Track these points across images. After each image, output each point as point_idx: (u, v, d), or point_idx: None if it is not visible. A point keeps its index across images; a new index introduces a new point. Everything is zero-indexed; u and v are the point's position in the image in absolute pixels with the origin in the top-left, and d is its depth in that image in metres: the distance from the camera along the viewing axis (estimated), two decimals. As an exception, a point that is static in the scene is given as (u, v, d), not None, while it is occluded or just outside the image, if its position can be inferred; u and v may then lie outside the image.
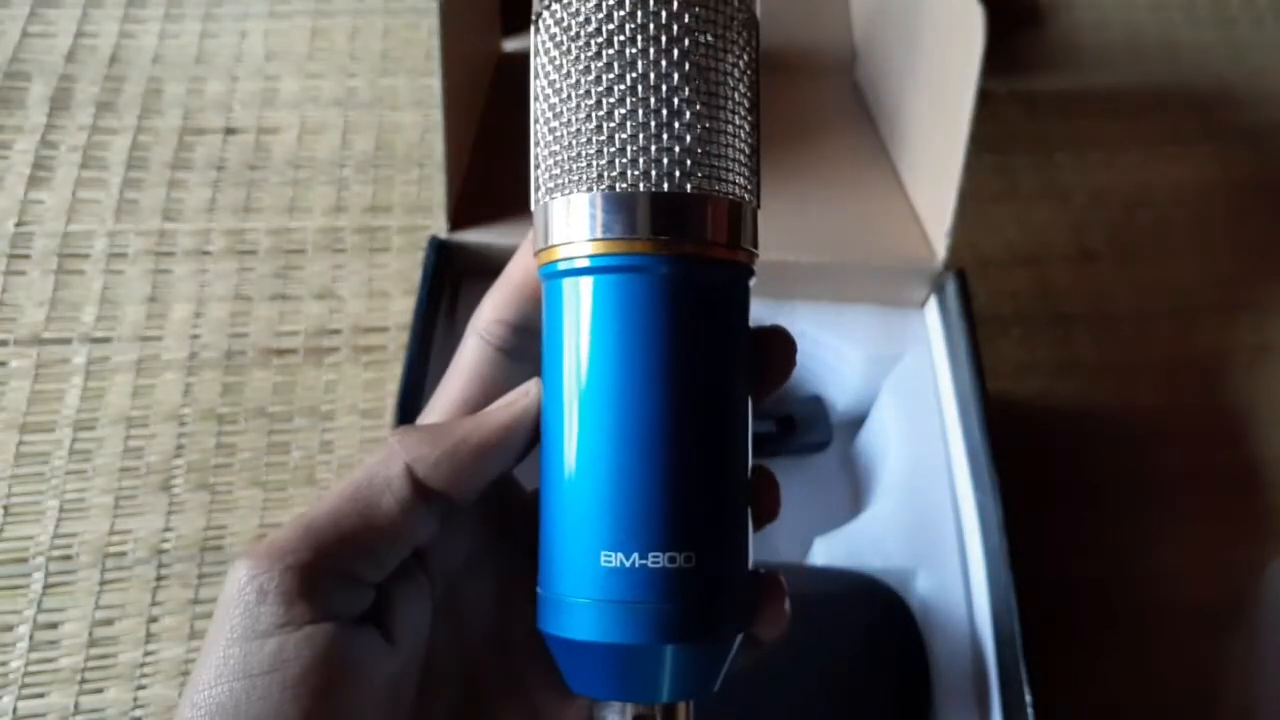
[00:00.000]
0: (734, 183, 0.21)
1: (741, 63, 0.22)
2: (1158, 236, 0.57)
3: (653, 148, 0.19)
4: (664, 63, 0.20)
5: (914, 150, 0.45)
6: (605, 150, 0.20)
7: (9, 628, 0.43)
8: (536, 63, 0.21)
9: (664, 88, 0.20)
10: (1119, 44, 0.65)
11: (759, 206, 0.22)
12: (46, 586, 0.44)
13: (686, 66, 0.20)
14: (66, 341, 0.50)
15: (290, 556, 0.20)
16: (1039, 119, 0.61)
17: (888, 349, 0.43)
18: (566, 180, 0.20)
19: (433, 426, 0.22)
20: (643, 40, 0.19)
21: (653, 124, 0.19)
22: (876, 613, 0.37)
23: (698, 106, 0.20)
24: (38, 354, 0.49)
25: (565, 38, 0.20)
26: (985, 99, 0.37)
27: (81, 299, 0.51)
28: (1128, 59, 0.65)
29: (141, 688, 0.42)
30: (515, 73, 0.52)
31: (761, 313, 0.44)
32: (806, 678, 0.35)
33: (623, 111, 0.19)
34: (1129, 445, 0.50)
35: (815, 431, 0.45)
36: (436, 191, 0.56)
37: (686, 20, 0.20)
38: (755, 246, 0.22)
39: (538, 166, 0.21)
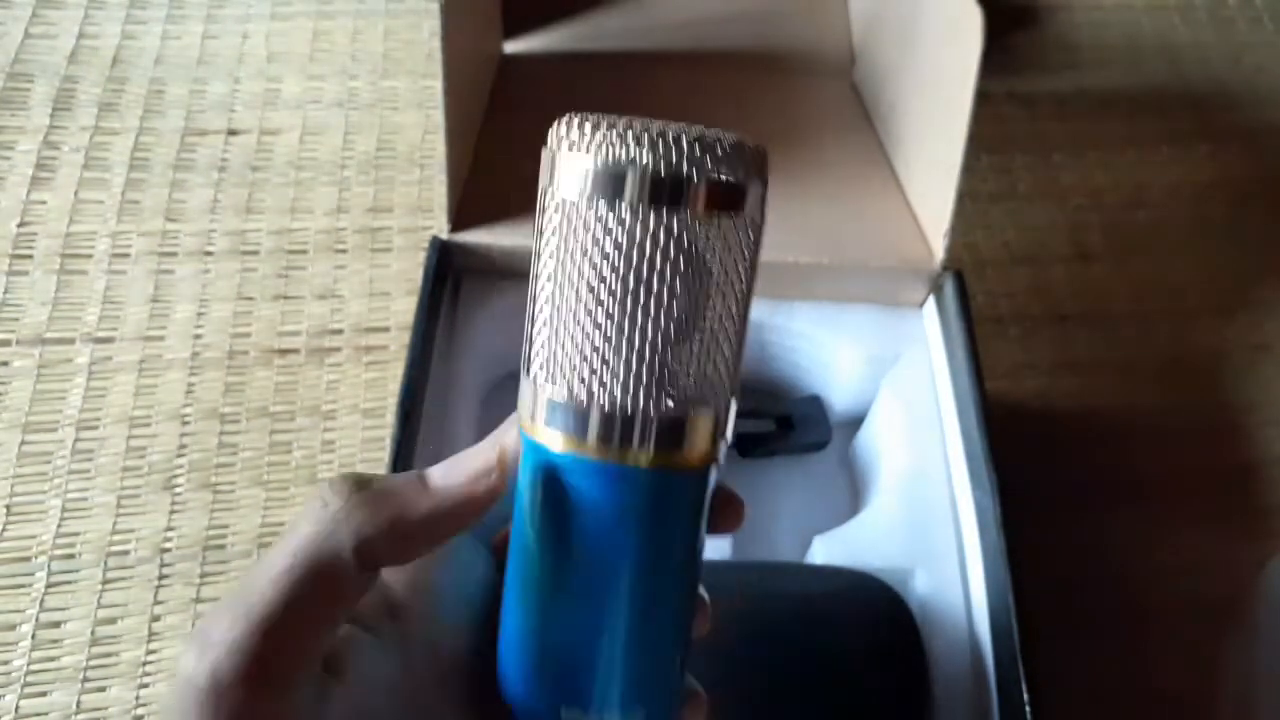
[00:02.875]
0: (719, 397, 0.21)
1: (743, 281, 0.22)
2: (1155, 236, 0.57)
3: (648, 375, 0.20)
4: (672, 292, 0.20)
5: (912, 151, 0.46)
6: (601, 367, 0.20)
7: (12, 626, 0.43)
8: (541, 239, 0.21)
9: (669, 318, 0.20)
10: (1117, 45, 0.65)
11: (738, 398, 0.22)
12: (49, 585, 0.44)
13: (693, 296, 0.20)
14: (69, 341, 0.50)
15: (244, 659, 0.18)
16: (1037, 120, 0.61)
17: (886, 349, 0.43)
18: (564, 373, 0.21)
19: (378, 493, 0.20)
20: (642, 278, 0.20)
21: (653, 353, 0.20)
22: (876, 611, 0.37)
23: (697, 339, 0.20)
24: (40, 354, 0.50)
25: (570, 242, 0.20)
26: (983, 100, 0.37)
27: (84, 299, 0.51)
28: (1126, 60, 0.65)
29: (144, 686, 0.42)
30: (516, 74, 0.52)
31: (762, 313, 0.45)
32: (805, 676, 0.35)
33: (626, 334, 0.20)
34: (1127, 444, 0.50)
35: (814, 431, 0.45)
36: (437, 192, 0.56)
37: (688, 248, 0.20)
38: (727, 436, 0.22)
39: (534, 339, 0.22)
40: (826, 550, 0.39)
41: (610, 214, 0.20)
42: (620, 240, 0.20)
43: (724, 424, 0.22)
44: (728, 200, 0.20)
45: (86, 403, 0.48)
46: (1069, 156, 0.60)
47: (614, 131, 0.20)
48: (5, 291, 0.51)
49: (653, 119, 0.21)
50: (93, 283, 0.52)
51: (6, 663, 0.42)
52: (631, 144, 0.20)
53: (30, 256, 0.53)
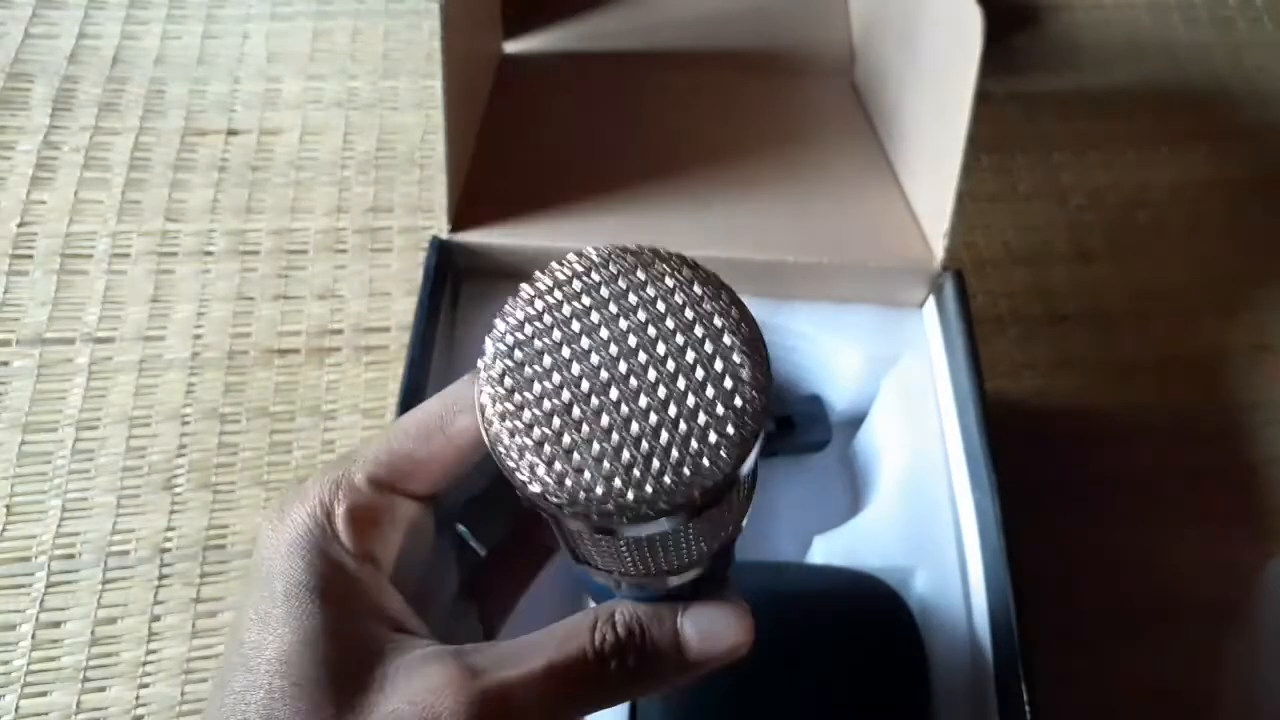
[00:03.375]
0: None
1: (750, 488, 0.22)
2: (1156, 236, 0.57)
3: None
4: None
5: (912, 151, 0.46)
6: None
7: (12, 626, 0.43)
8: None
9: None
10: (1117, 45, 0.65)
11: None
12: (49, 585, 0.44)
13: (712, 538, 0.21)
14: (69, 341, 0.50)
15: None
16: (1037, 119, 0.61)
17: (886, 349, 0.43)
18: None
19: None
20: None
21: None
22: (875, 611, 0.37)
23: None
24: (40, 354, 0.50)
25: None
26: (983, 99, 0.37)
27: (84, 299, 0.51)
28: (1126, 59, 0.65)
29: (144, 686, 0.42)
30: (516, 74, 0.52)
31: (762, 313, 0.44)
32: (805, 675, 0.35)
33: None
34: (1127, 444, 0.50)
35: (814, 431, 0.45)
36: (437, 192, 0.56)
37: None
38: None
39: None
40: (826, 549, 0.39)
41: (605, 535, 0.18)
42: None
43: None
44: (723, 492, 0.18)
45: (86, 403, 0.48)
46: (1069, 156, 0.60)
47: (562, 453, 0.16)
48: (5, 291, 0.52)
49: (601, 396, 0.16)
50: (93, 283, 0.52)
51: (6, 663, 0.42)
52: (596, 481, 0.16)
53: (30, 256, 0.53)
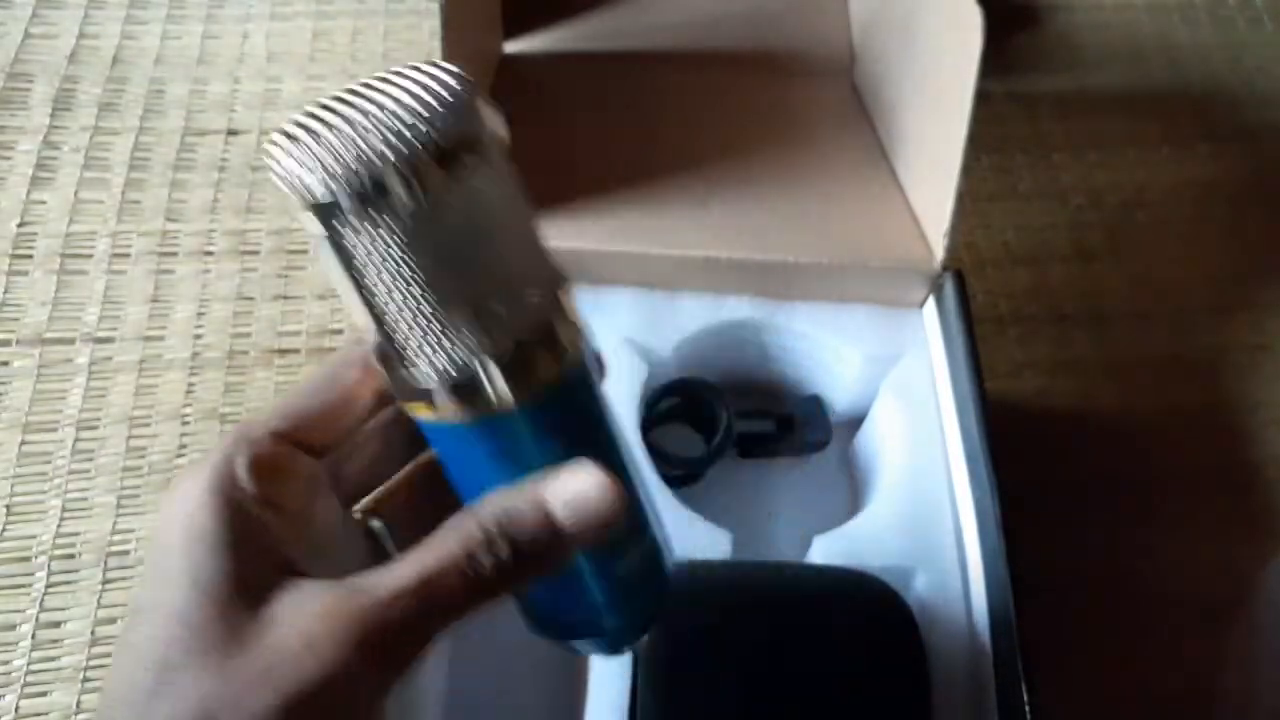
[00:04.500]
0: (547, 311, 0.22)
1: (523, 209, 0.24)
2: (1155, 236, 0.57)
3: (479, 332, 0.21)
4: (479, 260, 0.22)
5: (912, 151, 0.46)
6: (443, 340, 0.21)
7: (12, 626, 0.43)
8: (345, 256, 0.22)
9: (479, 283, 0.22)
10: (1117, 45, 0.65)
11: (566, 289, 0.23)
12: (49, 585, 0.44)
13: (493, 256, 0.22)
14: (69, 341, 0.50)
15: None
16: (1037, 120, 0.61)
17: (886, 349, 0.43)
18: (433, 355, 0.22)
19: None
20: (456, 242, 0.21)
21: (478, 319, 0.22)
22: (875, 611, 0.37)
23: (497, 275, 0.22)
24: (40, 354, 0.50)
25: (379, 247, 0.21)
26: (983, 100, 0.37)
27: (84, 299, 0.51)
28: (1126, 60, 0.65)
29: (144, 686, 0.42)
30: (516, 74, 0.52)
31: (762, 313, 0.44)
32: (805, 675, 0.35)
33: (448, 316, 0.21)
34: (1127, 444, 0.50)
35: (814, 431, 0.45)
36: (437, 192, 0.56)
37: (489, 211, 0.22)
38: (578, 332, 0.23)
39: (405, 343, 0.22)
40: (826, 550, 0.39)
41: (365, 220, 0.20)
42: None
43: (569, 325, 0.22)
44: (446, 167, 0.21)
45: (86, 403, 0.48)
46: (1069, 156, 0.60)
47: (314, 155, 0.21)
48: (5, 291, 0.51)
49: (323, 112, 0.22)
50: (93, 283, 0.52)
51: (6, 663, 0.42)
52: (330, 166, 0.20)
53: (30, 256, 0.53)
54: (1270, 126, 0.62)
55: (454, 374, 0.21)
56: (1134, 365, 0.53)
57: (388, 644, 0.20)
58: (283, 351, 0.51)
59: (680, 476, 0.43)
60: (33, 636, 0.43)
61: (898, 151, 0.47)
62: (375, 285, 0.21)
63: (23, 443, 0.47)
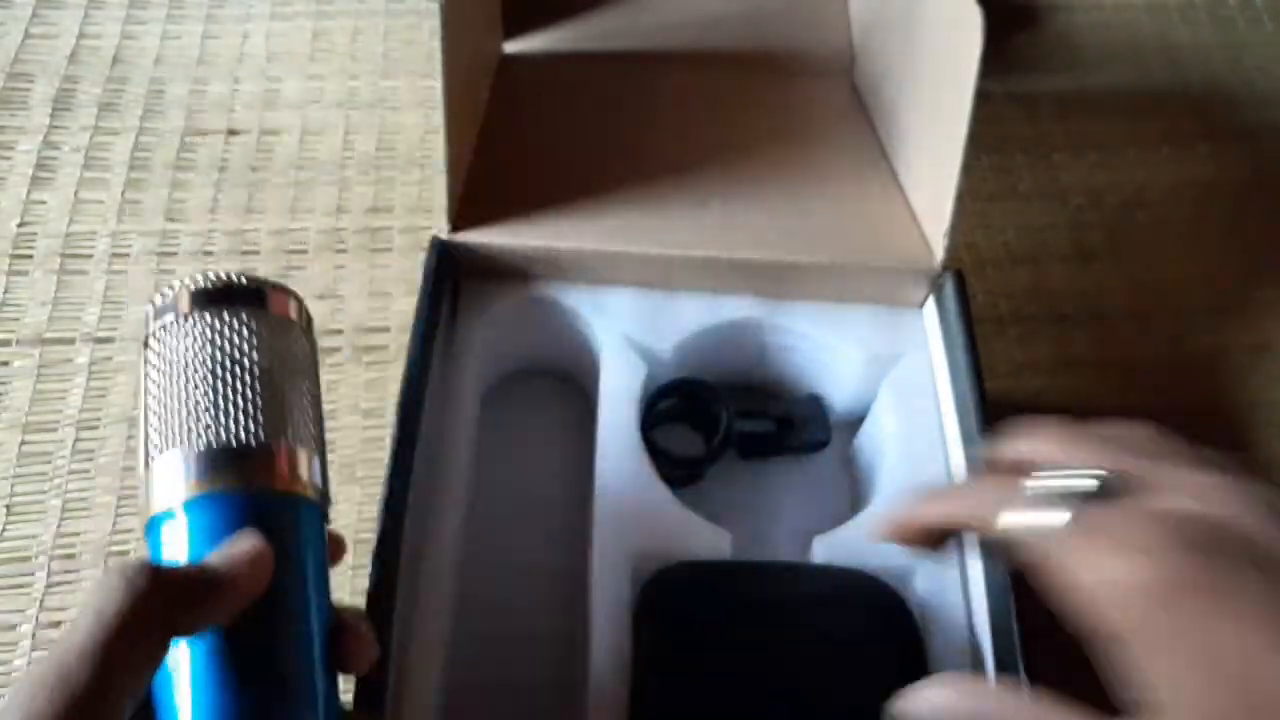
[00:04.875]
0: (294, 436, 0.27)
1: (305, 369, 0.29)
2: (1156, 236, 0.57)
3: (225, 417, 0.26)
4: (242, 373, 0.27)
5: (912, 151, 0.46)
6: (192, 425, 0.26)
7: (12, 626, 0.43)
8: (144, 375, 0.27)
9: (236, 387, 0.27)
10: (1117, 45, 0.65)
11: (324, 460, 0.29)
12: (49, 585, 0.44)
13: (255, 375, 0.27)
14: (69, 341, 0.50)
15: None
16: (1037, 120, 0.61)
17: (887, 349, 0.43)
18: (166, 444, 0.26)
19: (174, 576, 0.23)
20: (224, 358, 0.27)
21: (226, 405, 0.26)
22: (876, 610, 0.37)
23: (262, 395, 0.27)
24: (40, 354, 0.50)
25: (167, 357, 0.27)
26: (984, 100, 0.37)
27: (84, 299, 0.51)
28: (1126, 60, 0.65)
29: (144, 686, 0.42)
30: (516, 74, 0.52)
31: (762, 313, 0.44)
32: (805, 675, 0.35)
33: (204, 402, 0.26)
34: (1127, 445, 0.50)
35: (814, 431, 0.45)
36: (437, 192, 0.56)
37: (259, 344, 0.27)
38: (323, 489, 0.28)
39: (149, 437, 0.27)
40: (826, 550, 0.39)
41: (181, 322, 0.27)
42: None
43: (305, 459, 0.27)
44: (263, 302, 0.28)
45: (86, 403, 0.48)
46: (1069, 156, 0.60)
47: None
48: (5, 291, 0.52)
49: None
50: (93, 283, 0.52)
51: (6, 663, 0.42)
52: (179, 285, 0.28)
53: (30, 256, 0.53)
54: (1270, 126, 0.62)
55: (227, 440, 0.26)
56: (1134, 365, 0.53)
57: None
58: (283, 351, 0.51)
59: (680, 476, 0.43)
60: (33, 636, 0.43)
61: (898, 151, 0.47)
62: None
63: (23, 443, 0.47)
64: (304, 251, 0.54)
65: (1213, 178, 0.60)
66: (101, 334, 0.50)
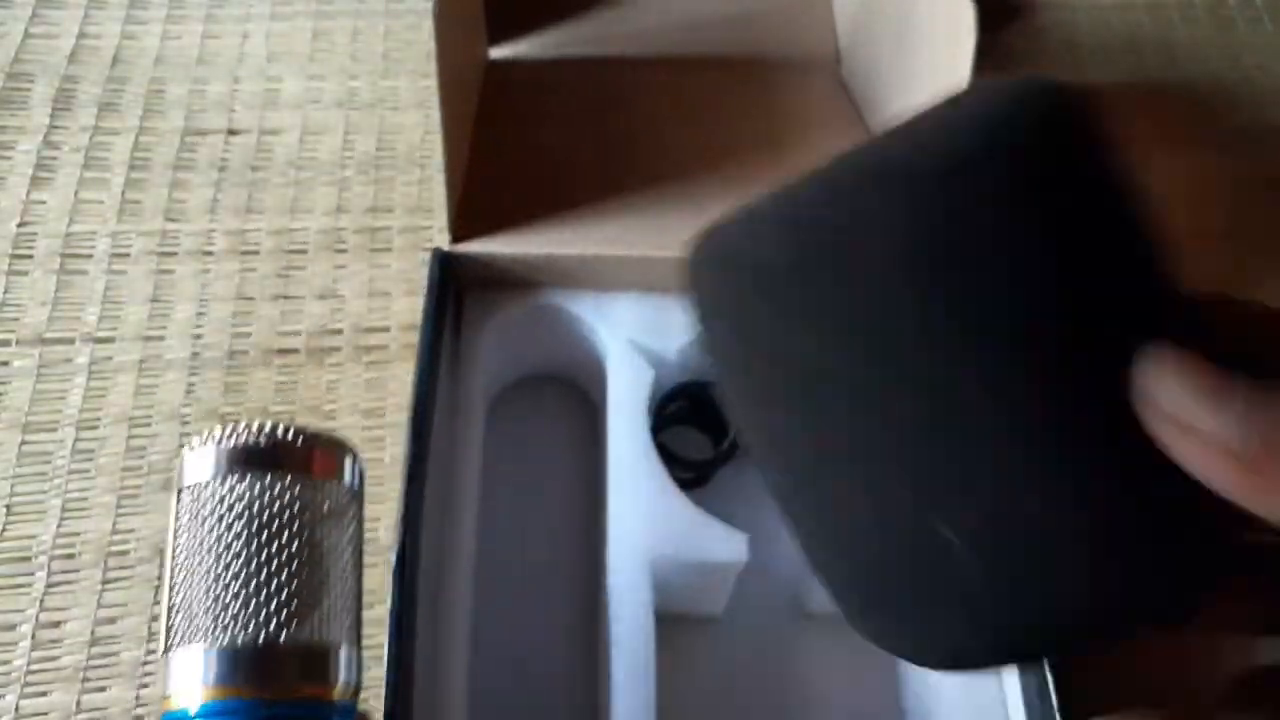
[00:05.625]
0: (326, 631, 0.25)
1: (347, 544, 0.26)
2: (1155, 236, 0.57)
3: (253, 611, 0.24)
4: (277, 554, 0.24)
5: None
6: (217, 615, 0.24)
7: (12, 626, 0.43)
8: (174, 529, 0.25)
9: (269, 573, 0.24)
10: (1116, 43, 0.65)
11: (359, 644, 0.26)
12: (49, 585, 0.44)
13: (291, 557, 0.24)
14: (69, 341, 0.50)
15: None
16: (1037, 119, 0.61)
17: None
18: (203, 630, 0.24)
19: None
20: (261, 532, 0.24)
21: (256, 596, 0.24)
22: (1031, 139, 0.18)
23: (296, 583, 0.24)
24: (40, 354, 0.50)
25: (199, 515, 0.25)
26: (983, 100, 0.37)
27: (84, 299, 0.51)
28: (1124, 58, 0.65)
29: (144, 686, 0.42)
30: (503, 80, 0.52)
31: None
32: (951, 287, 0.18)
33: (233, 588, 0.24)
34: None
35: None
36: (437, 192, 0.56)
37: (300, 521, 0.25)
38: (355, 682, 0.26)
39: (173, 618, 0.25)
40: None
41: (229, 483, 0.24)
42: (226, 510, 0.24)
43: (333, 662, 0.25)
44: (311, 465, 0.25)
45: (86, 402, 0.48)
46: (1069, 156, 0.60)
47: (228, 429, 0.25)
48: (5, 291, 0.52)
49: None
50: (93, 283, 0.52)
51: (6, 663, 0.42)
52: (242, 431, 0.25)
53: (30, 256, 0.53)
54: (1270, 126, 0.62)
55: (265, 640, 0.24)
56: (1134, 365, 0.53)
57: None
58: (283, 351, 0.51)
59: (689, 479, 0.43)
60: (33, 636, 0.43)
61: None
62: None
63: (23, 443, 0.47)
64: (304, 251, 0.54)
65: (1212, 177, 0.60)
66: (101, 334, 0.50)
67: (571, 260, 0.42)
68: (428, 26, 0.38)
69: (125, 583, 0.44)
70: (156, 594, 0.44)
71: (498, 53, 0.53)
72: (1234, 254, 0.57)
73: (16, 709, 0.41)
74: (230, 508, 0.24)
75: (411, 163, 0.58)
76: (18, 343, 0.50)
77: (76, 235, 0.54)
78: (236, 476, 0.24)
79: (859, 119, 0.50)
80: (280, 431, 0.25)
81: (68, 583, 0.44)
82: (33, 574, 0.44)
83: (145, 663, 0.42)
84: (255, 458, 0.24)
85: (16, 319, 0.51)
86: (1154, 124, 0.62)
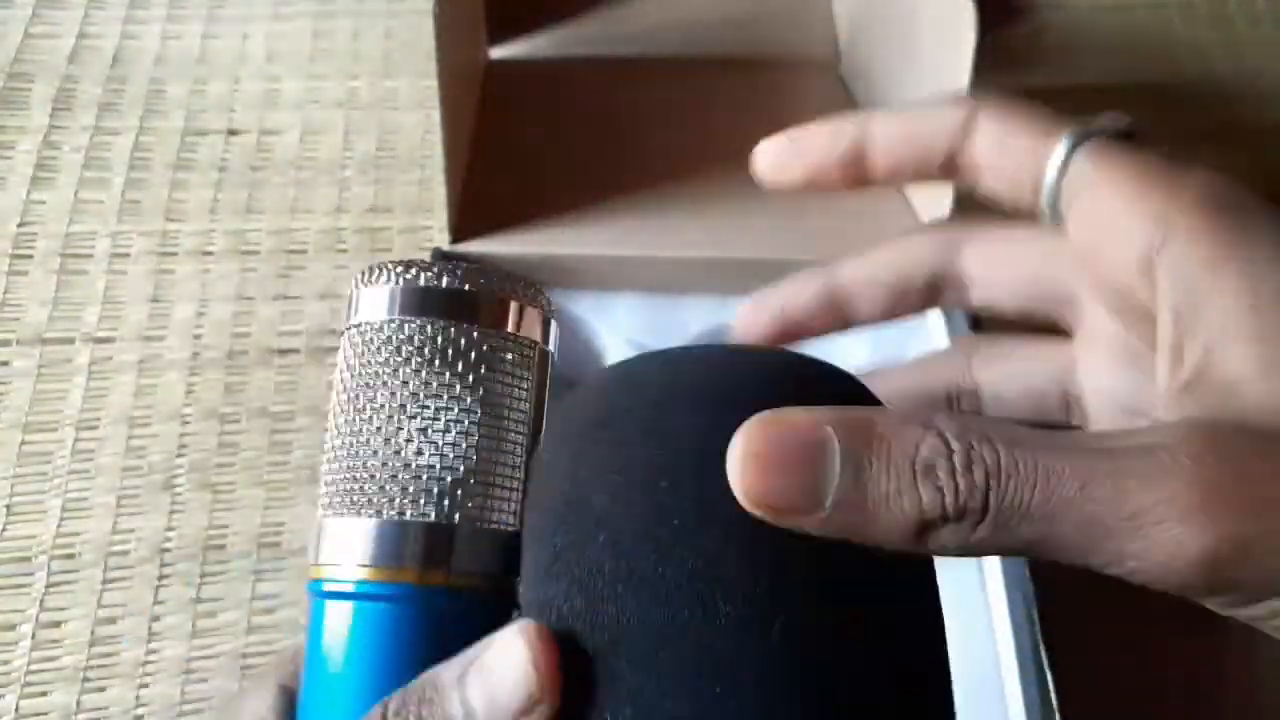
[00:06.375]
0: (505, 512, 0.21)
1: (526, 394, 0.22)
2: (1156, 236, 0.57)
3: (430, 479, 0.20)
4: (457, 397, 0.21)
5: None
6: (388, 481, 0.20)
7: (12, 626, 0.43)
8: (340, 376, 0.22)
9: (449, 421, 0.20)
10: (1116, 43, 0.65)
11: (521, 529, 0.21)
12: (49, 585, 0.44)
13: (474, 404, 0.21)
14: (69, 341, 0.50)
15: None
16: (1037, 119, 0.61)
17: (892, 346, 0.43)
18: (350, 501, 0.20)
19: None
20: (440, 368, 0.20)
21: (433, 458, 0.20)
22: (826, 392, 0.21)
23: (476, 440, 0.20)
24: (40, 354, 0.50)
25: (369, 356, 0.21)
26: (983, 99, 0.37)
27: (84, 299, 0.51)
28: (1125, 58, 0.65)
29: (144, 686, 0.42)
30: (503, 80, 0.52)
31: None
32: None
33: (411, 443, 0.20)
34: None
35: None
36: (437, 192, 0.56)
37: (482, 352, 0.21)
38: (518, 573, 0.21)
39: (328, 480, 0.21)
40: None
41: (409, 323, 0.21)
42: (402, 343, 0.21)
43: (506, 549, 0.21)
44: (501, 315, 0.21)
45: (86, 403, 0.48)
46: (1069, 156, 0.60)
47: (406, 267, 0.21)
48: (5, 291, 0.51)
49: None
50: (93, 283, 0.52)
51: (6, 663, 0.42)
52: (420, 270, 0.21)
53: (30, 256, 0.53)
54: (1270, 126, 0.62)
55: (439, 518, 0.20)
56: (1134, 365, 0.53)
57: None
58: (283, 351, 0.51)
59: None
60: (33, 636, 0.43)
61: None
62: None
63: (23, 443, 0.47)
64: (304, 251, 0.54)
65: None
66: (101, 334, 0.50)
67: (571, 260, 0.42)
68: (428, 26, 0.38)
69: (125, 583, 0.44)
70: (156, 594, 0.44)
71: (498, 53, 0.53)
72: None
73: (16, 709, 0.41)
74: (410, 343, 0.20)
75: (411, 163, 0.58)
76: (18, 342, 0.50)
77: (76, 235, 0.53)
78: (421, 326, 0.20)
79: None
80: (490, 281, 0.21)
81: (68, 583, 0.44)
82: (33, 574, 0.44)
83: (145, 663, 0.42)
84: (455, 306, 0.21)
85: (16, 319, 0.51)
86: (1155, 124, 0.62)
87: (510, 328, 0.21)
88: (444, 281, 0.21)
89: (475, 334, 0.21)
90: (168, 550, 0.45)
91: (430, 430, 0.20)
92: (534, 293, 0.22)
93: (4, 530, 0.45)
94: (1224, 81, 0.64)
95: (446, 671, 0.18)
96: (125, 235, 0.54)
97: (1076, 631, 0.44)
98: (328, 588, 0.20)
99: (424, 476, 0.20)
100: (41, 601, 0.43)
